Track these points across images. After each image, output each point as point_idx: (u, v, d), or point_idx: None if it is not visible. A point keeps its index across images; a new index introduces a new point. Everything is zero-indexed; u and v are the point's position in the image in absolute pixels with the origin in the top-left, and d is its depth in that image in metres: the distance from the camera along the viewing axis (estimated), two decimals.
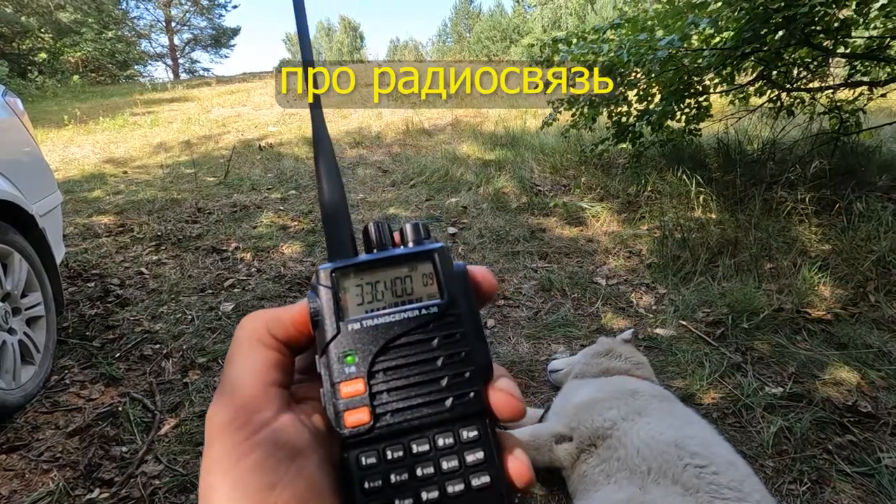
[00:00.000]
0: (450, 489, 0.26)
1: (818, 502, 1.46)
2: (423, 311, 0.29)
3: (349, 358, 0.27)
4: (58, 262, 2.25)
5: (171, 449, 1.68)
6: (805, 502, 1.45)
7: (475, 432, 0.27)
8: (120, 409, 1.86)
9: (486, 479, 0.27)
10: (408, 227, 0.31)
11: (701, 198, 3.53)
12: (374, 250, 0.31)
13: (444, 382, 0.28)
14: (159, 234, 3.57)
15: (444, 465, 0.27)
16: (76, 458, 1.64)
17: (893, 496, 1.45)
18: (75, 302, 2.63)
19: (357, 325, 0.28)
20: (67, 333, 2.34)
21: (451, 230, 3.61)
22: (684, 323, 2.41)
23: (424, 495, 0.26)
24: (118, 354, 2.20)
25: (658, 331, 2.37)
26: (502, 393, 0.28)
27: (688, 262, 2.95)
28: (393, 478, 0.26)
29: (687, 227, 3.25)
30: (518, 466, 0.27)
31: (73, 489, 1.52)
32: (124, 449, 1.68)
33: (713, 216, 3.38)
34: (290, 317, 0.29)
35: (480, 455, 0.27)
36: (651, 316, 2.53)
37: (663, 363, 2.11)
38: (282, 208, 4.17)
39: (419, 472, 0.26)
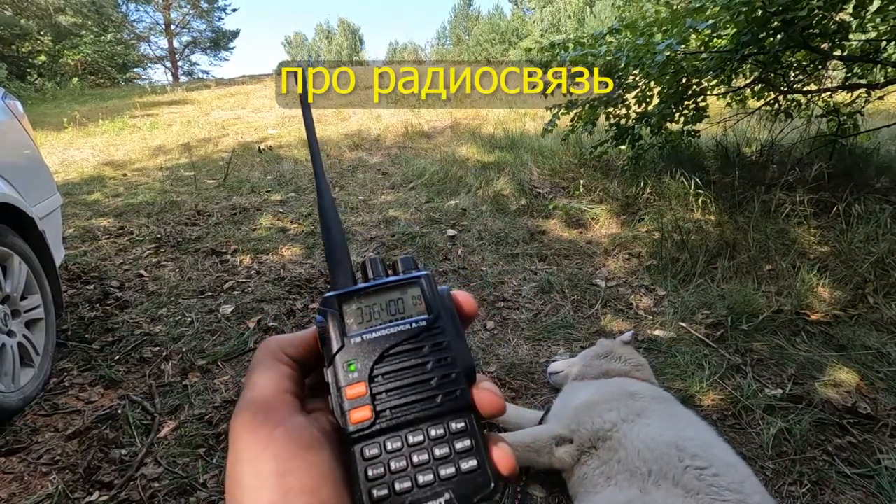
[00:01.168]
0: (442, 472, 0.30)
1: None
2: (414, 325, 0.34)
3: (352, 366, 0.32)
4: (57, 264, 2.25)
5: (170, 451, 1.67)
6: None
7: (462, 424, 0.31)
8: (119, 411, 1.86)
9: (473, 462, 0.31)
10: (399, 260, 0.37)
11: (700, 200, 3.54)
12: (371, 279, 0.36)
13: (433, 382, 0.32)
14: (159, 236, 3.57)
15: (437, 452, 0.31)
16: (75, 460, 1.64)
17: (893, 498, 1.45)
18: (75, 304, 2.63)
19: (358, 339, 0.33)
20: (67, 336, 2.34)
21: (451, 232, 3.62)
22: (684, 325, 2.41)
23: (420, 478, 0.30)
24: (117, 357, 2.20)
25: (657, 332, 2.37)
26: (485, 391, 0.32)
27: (687, 263, 2.95)
28: (393, 465, 0.30)
29: (686, 229, 3.25)
30: (502, 455, 0.31)
31: (73, 492, 1.52)
32: (124, 451, 1.68)
33: (712, 218, 3.38)
34: (300, 339, 0.34)
35: (468, 443, 0.31)
36: (650, 318, 2.53)
37: (663, 365, 2.11)
38: (281, 210, 4.18)
39: (415, 458, 0.30)
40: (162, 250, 3.37)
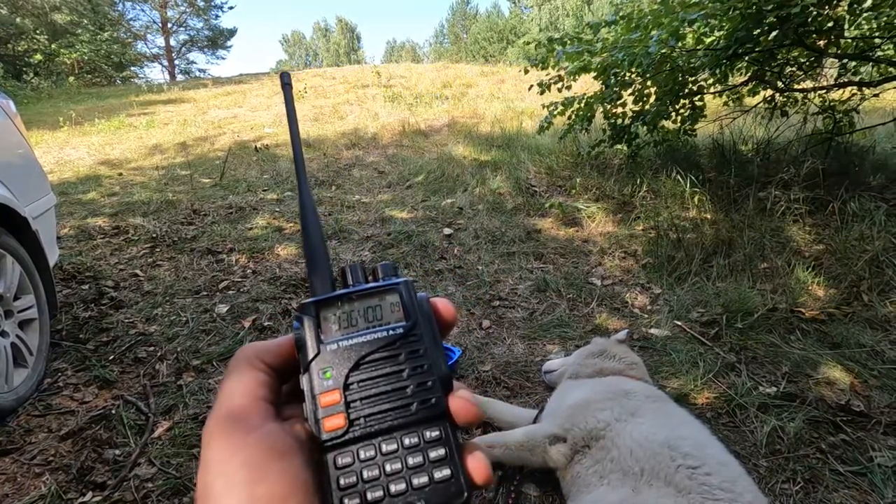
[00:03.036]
0: (415, 481, 0.30)
1: (811, 502, 1.46)
2: (391, 332, 0.33)
3: (327, 373, 0.32)
4: (51, 264, 2.24)
5: (164, 452, 1.67)
6: (798, 502, 1.46)
7: (437, 432, 0.31)
8: (113, 411, 1.85)
9: (447, 471, 0.30)
10: (379, 267, 0.37)
11: (695, 198, 3.54)
12: (350, 285, 0.36)
13: (409, 391, 0.32)
14: (154, 235, 3.56)
15: (410, 461, 0.30)
16: (69, 461, 1.64)
17: (886, 495, 1.45)
18: (69, 304, 2.62)
19: (335, 346, 0.33)
20: (61, 336, 2.33)
21: (447, 231, 3.61)
22: (679, 323, 2.41)
23: (392, 487, 0.30)
24: (112, 357, 2.19)
25: (653, 331, 2.37)
26: (461, 400, 0.32)
27: (682, 262, 2.96)
28: (365, 474, 0.30)
29: (681, 227, 3.26)
30: (477, 464, 0.31)
31: (66, 493, 1.52)
32: (117, 452, 1.67)
33: (708, 216, 3.39)
34: (276, 346, 0.34)
35: (442, 452, 0.31)
36: (646, 316, 2.53)
37: (658, 363, 2.12)
38: (277, 210, 4.17)
39: (388, 467, 0.30)
40: (157, 250, 3.37)
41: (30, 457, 1.64)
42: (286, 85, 0.41)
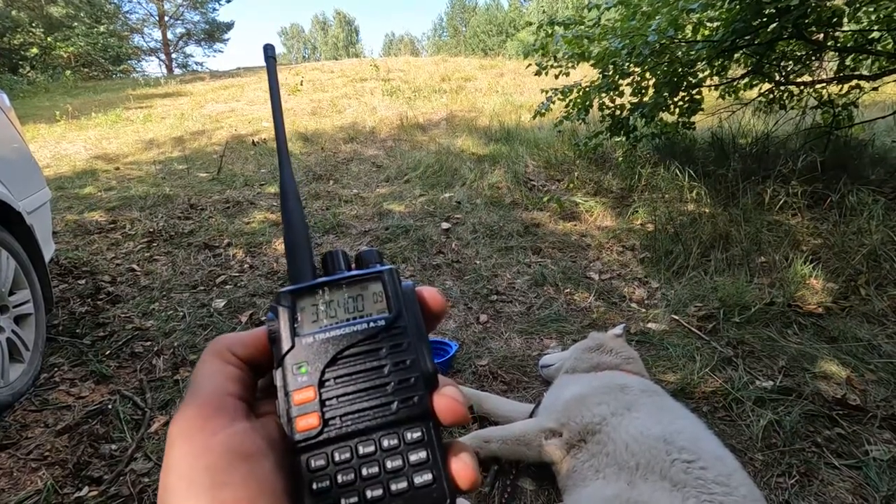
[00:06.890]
0: (393, 487, 0.28)
1: (806, 495, 1.46)
2: (371, 325, 0.31)
3: (302, 369, 0.30)
4: (47, 259, 2.23)
5: (160, 446, 1.67)
6: (793, 495, 1.46)
7: (419, 434, 0.29)
8: (110, 406, 1.85)
9: (428, 476, 0.28)
10: (362, 253, 0.35)
11: (694, 192, 3.53)
12: (332, 273, 0.34)
13: (390, 388, 0.30)
14: (151, 230, 3.55)
15: (389, 465, 0.28)
16: (65, 456, 1.64)
17: (881, 489, 1.46)
18: (66, 299, 2.62)
19: (310, 339, 0.30)
20: (57, 331, 2.32)
21: (445, 225, 3.61)
22: (676, 317, 2.41)
23: (369, 493, 0.28)
24: (108, 352, 2.19)
25: (650, 325, 2.37)
26: (446, 398, 0.30)
27: (680, 256, 2.95)
28: (340, 478, 0.28)
29: (679, 221, 3.25)
30: (462, 467, 0.29)
31: (62, 487, 1.51)
32: (114, 447, 1.67)
33: (706, 210, 3.38)
34: (250, 338, 0.32)
35: (423, 455, 0.29)
36: (643, 310, 2.53)
37: (655, 358, 2.12)
38: (275, 204, 4.15)
39: (364, 471, 0.28)
40: (154, 244, 3.35)
41: (26, 452, 1.64)
42: (269, 58, 0.39)
